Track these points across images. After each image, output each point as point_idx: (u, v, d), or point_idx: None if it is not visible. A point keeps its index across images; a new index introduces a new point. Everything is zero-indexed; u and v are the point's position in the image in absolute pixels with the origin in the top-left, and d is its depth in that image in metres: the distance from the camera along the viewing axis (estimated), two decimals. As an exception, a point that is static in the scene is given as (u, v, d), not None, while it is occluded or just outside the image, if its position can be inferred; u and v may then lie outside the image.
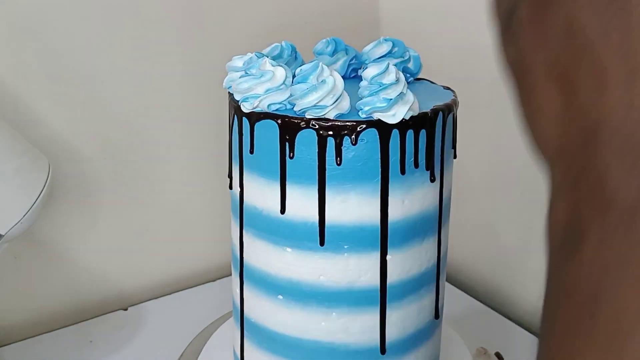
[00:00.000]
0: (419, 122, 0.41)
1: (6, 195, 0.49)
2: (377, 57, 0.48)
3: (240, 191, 0.45)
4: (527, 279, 0.72)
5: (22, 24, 0.59)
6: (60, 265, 0.68)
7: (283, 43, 0.48)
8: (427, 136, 0.42)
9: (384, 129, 0.40)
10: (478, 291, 0.78)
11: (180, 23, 0.68)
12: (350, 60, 0.50)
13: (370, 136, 0.40)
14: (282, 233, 0.43)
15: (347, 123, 0.39)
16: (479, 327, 0.68)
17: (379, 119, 0.39)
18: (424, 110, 0.41)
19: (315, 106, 0.39)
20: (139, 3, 0.65)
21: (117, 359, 0.62)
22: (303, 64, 0.49)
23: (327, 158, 0.40)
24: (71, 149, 0.65)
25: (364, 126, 0.39)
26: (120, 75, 0.66)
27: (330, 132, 0.40)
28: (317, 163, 0.40)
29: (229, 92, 0.45)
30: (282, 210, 0.42)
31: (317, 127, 0.40)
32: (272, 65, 0.41)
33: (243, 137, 0.43)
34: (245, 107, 0.42)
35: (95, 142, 0.66)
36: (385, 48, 0.48)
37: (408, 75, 0.49)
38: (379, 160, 0.40)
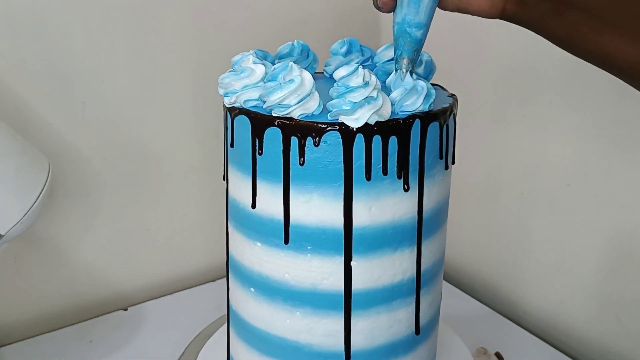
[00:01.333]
0: (388, 129, 0.39)
1: (6, 195, 0.49)
2: (386, 59, 0.47)
3: (226, 183, 0.47)
4: (527, 279, 0.72)
5: (22, 24, 0.59)
6: (60, 265, 0.68)
7: (295, 42, 0.48)
8: (400, 143, 0.40)
9: (347, 132, 0.39)
10: (478, 291, 0.78)
11: (181, 23, 0.68)
12: (364, 62, 0.49)
13: (333, 139, 0.39)
14: (253, 227, 0.44)
15: (311, 123, 0.39)
16: (479, 327, 0.68)
17: (342, 122, 0.39)
18: (395, 117, 0.40)
19: (279, 104, 0.39)
20: (139, 3, 0.65)
21: (117, 359, 0.62)
22: (315, 63, 0.49)
23: (291, 157, 0.40)
24: (71, 149, 0.65)
25: (327, 128, 0.39)
26: (120, 75, 0.66)
27: (294, 132, 0.40)
28: (282, 161, 0.41)
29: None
30: (253, 205, 0.43)
31: (281, 125, 0.40)
32: (254, 63, 0.42)
33: (227, 131, 0.44)
34: (226, 102, 0.43)
35: (95, 142, 0.66)
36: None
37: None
38: (342, 163, 0.39)
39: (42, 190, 0.51)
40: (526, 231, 0.71)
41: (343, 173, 0.40)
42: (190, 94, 0.70)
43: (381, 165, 0.40)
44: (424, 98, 0.40)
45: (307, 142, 0.39)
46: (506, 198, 0.73)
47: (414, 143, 0.41)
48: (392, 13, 0.41)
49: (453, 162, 0.46)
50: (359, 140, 0.39)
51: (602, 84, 0.60)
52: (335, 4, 0.78)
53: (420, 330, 0.46)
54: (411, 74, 0.42)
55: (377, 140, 0.39)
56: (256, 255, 0.44)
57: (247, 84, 0.41)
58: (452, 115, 0.44)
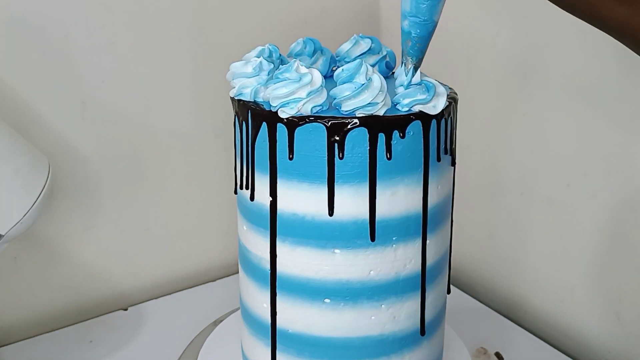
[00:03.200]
0: (446, 111, 0.43)
1: (6, 195, 0.49)
2: (357, 55, 0.49)
3: (272, 200, 0.44)
4: (527, 279, 0.72)
5: (22, 24, 0.59)
6: (60, 265, 0.68)
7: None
8: (450, 124, 0.45)
9: (425, 120, 0.42)
10: (478, 291, 0.78)
11: (181, 23, 0.68)
12: (329, 60, 0.50)
13: (416, 128, 0.41)
14: (330, 235, 0.43)
15: (395, 117, 0.41)
16: (479, 327, 0.68)
17: (421, 111, 0.41)
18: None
19: (369, 104, 0.40)
20: (139, 3, 0.65)
21: (117, 359, 0.62)
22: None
23: (378, 154, 0.41)
24: (71, 149, 0.65)
25: (411, 119, 0.41)
26: (121, 75, 0.66)
27: (381, 128, 0.41)
28: (368, 160, 0.41)
29: (241, 101, 0.44)
30: (331, 213, 0.42)
31: (368, 124, 0.40)
32: (307, 68, 0.41)
33: (278, 143, 0.42)
34: (286, 112, 0.41)
35: (95, 142, 0.66)
36: (363, 46, 0.49)
37: (388, 70, 0.50)
38: (422, 150, 0.42)
39: (42, 190, 0.51)
40: (526, 231, 0.71)
41: (422, 159, 0.42)
42: (190, 94, 0.70)
43: (445, 145, 0.44)
44: (444, 87, 0.45)
45: (393, 136, 0.41)
46: (506, 198, 0.73)
47: (454, 122, 0.46)
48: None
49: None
50: (434, 126, 0.42)
51: (602, 84, 0.60)
52: (336, 4, 0.78)
53: (450, 289, 0.51)
54: (415, 69, 0.43)
55: (442, 123, 0.43)
56: (334, 264, 0.43)
57: (310, 90, 0.40)
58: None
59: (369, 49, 0.49)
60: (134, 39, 0.66)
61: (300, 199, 0.42)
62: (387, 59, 0.50)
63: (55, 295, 0.68)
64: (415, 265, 0.45)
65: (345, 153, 0.41)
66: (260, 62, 0.44)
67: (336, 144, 0.40)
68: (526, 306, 0.72)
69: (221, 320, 0.63)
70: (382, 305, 0.44)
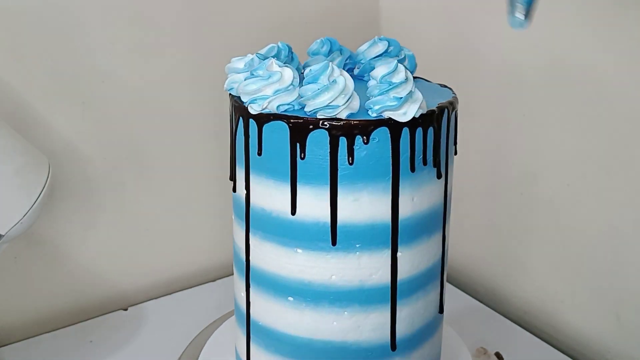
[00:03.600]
0: (427, 120, 0.41)
1: (6, 195, 0.49)
2: (373, 56, 0.48)
3: (246, 193, 0.45)
4: (527, 279, 0.72)
5: (22, 24, 0.59)
6: (60, 265, 0.68)
7: (279, 44, 0.47)
8: (435, 133, 0.42)
9: (395, 127, 0.40)
10: (478, 291, 0.78)
11: (181, 23, 0.68)
12: (345, 60, 0.50)
13: (382, 135, 0.40)
14: (292, 234, 0.43)
15: (360, 122, 0.40)
16: (479, 327, 0.68)
17: (390, 118, 0.40)
18: (431, 108, 0.42)
19: (327, 106, 0.39)
20: (139, 3, 0.65)
21: (117, 359, 0.62)
22: (299, 65, 0.49)
23: (339, 158, 0.40)
24: (71, 149, 0.65)
25: (375, 125, 0.40)
26: (120, 75, 0.66)
27: (342, 132, 0.40)
28: (329, 163, 0.40)
29: (231, 95, 0.45)
30: (293, 212, 0.42)
31: (328, 127, 0.40)
32: (279, 66, 0.41)
33: (250, 139, 0.43)
34: (254, 109, 0.41)
35: (95, 142, 0.66)
36: (380, 47, 0.48)
37: None
38: (390, 158, 0.41)
39: (42, 190, 0.51)
40: (526, 231, 0.71)
41: (391, 167, 0.41)
42: (190, 94, 0.70)
43: (422, 156, 0.42)
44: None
45: (356, 141, 0.40)
46: (506, 198, 0.73)
47: (443, 132, 0.43)
48: None
49: (455, 153, 0.48)
50: (405, 134, 0.40)
51: (603, 84, 0.60)
52: (336, 4, 0.78)
53: (442, 308, 0.49)
54: (526, 16, 0.40)
55: (419, 132, 0.41)
56: (296, 263, 0.43)
57: (278, 88, 0.40)
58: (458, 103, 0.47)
59: (386, 51, 0.48)
60: (134, 39, 0.66)
61: (268, 194, 0.43)
62: (406, 62, 0.49)
63: (55, 295, 0.68)
64: (382, 277, 0.43)
65: (307, 154, 0.40)
66: (252, 58, 0.44)
67: (298, 144, 0.40)
68: (526, 306, 0.72)
69: (221, 321, 0.63)
70: (345, 312, 0.43)
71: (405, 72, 0.40)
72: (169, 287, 0.75)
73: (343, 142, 0.40)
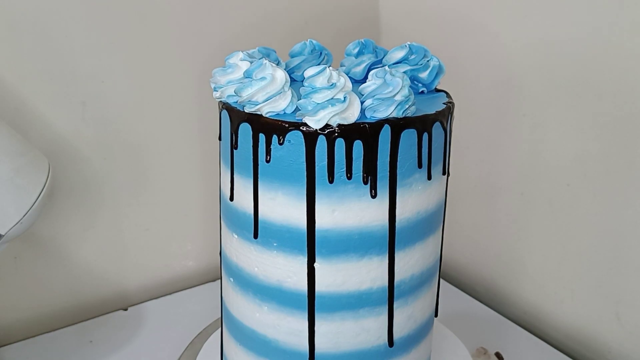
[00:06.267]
0: (352, 132, 0.38)
1: (6, 195, 0.49)
2: (393, 62, 0.46)
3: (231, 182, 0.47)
4: (527, 279, 0.72)
5: (22, 24, 0.59)
6: (60, 265, 0.68)
7: (308, 41, 0.49)
8: (366, 149, 0.39)
9: (309, 133, 0.38)
10: (478, 291, 0.78)
11: (181, 23, 0.68)
12: (374, 63, 0.48)
13: (297, 138, 0.39)
14: (231, 219, 0.45)
15: (275, 121, 0.39)
16: (479, 327, 0.68)
17: (306, 122, 0.38)
18: (366, 121, 0.39)
19: (249, 101, 0.40)
20: (139, 3, 0.65)
21: (117, 359, 0.62)
22: (327, 63, 0.49)
23: (259, 154, 0.41)
24: (71, 149, 0.65)
25: (290, 127, 0.39)
26: (120, 75, 0.66)
27: (261, 129, 0.40)
28: (252, 157, 0.41)
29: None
30: (231, 198, 0.44)
31: (250, 121, 0.40)
32: (242, 60, 0.42)
33: (222, 128, 0.46)
34: (214, 95, 0.43)
35: (95, 142, 0.66)
36: (401, 53, 0.46)
37: (420, 84, 0.47)
38: (305, 164, 0.39)
39: (42, 190, 0.51)
40: (526, 231, 0.71)
41: (306, 174, 0.39)
42: (190, 93, 0.71)
43: (345, 168, 0.39)
44: (398, 104, 0.39)
45: (272, 140, 0.40)
46: (506, 198, 0.73)
47: (383, 149, 0.39)
48: None
49: (445, 173, 0.44)
50: (322, 142, 0.39)
51: (603, 84, 0.60)
52: (336, 5, 0.78)
53: (394, 343, 0.44)
54: None
55: (340, 143, 0.39)
56: (234, 247, 0.45)
57: (231, 79, 0.42)
58: (439, 124, 0.42)
59: (406, 58, 0.46)
60: (134, 39, 0.66)
61: (222, 179, 0.46)
62: (424, 73, 0.46)
63: (55, 295, 0.68)
64: (298, 283, 0.42)
65: (238, 145, 0.42)
66: (244, 55, 0.45)
67: (233, 134, 0.42)
68: (526, 306, 0.72)
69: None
70: (265, 307, 0.44)
71: (333, 78, 0.38)
72: (169, 287, 0.75)
73: (262, 138, 0.40)
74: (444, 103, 0.43)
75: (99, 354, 0.63)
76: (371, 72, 0.40)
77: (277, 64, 0.47)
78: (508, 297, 0.74)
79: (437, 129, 0.42)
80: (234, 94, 0.41)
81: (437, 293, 0.50)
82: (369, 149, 0.39)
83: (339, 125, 0.38)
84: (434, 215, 0.44)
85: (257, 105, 0.40)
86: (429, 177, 0.42)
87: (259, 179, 0.41)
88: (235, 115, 0.42)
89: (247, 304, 0.45)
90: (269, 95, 0.39)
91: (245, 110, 0.40)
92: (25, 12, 0.59)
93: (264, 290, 0.43)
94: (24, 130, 0.56)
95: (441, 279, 0.79)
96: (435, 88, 0.47)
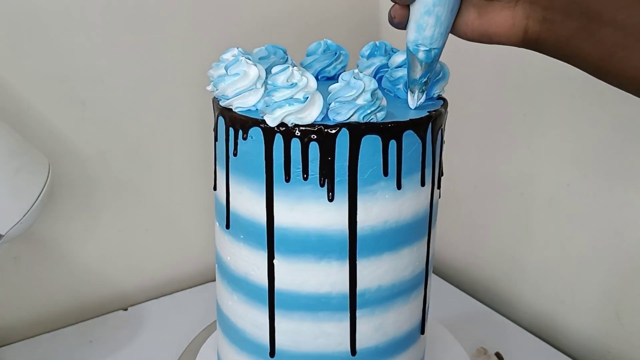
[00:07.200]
0: (309, 134, 0.38)
1: (6, 195, 0.49)
2: (395, 65, 0.46)
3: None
4: (527, 279, 0.72)
5: (23, 24, 0.59)
6: (60, 265, 0.68)
7: (323, 41, 0.49)
8: (322, 151, 0.38)
9: (267, 130, 0.39)
10: (478, 291, 0.78)
11: (181, 23, 0.68)
12: (382, 66, 0.48)
13: (257, 135, 0.39)
14: (215, 209, 0.47)
15: (239, 116, 0.40)
16: (479, 327, 0.68)
17: (264, 119, 0.39)
18: (323, 123, 0.38)
19: (222, 95, 0.41)
20: (139, 3, 0.65)
21: (117, 359, 0.62)
22: (340, 64, 0.50)
23: (229, 147, 0.42)
24: (71, 149, 0.65)
25: (250, 123, 0.40)
26: (120, 75, 0.66)
27: (230, 123, 0.41)
28: (224, 150, 0.42)
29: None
30: (214, 187, 0.46)
31: (223, 115, 0.42)
32: (233, 56, 0.43)
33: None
34: (207, 87, 0.44)
35: (95, 142, 0.66)
36: (401, 57, 0.46)
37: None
38: (264, 160, 0.40)
39: (42, 190, 0.51)
40: (526, 231, 0.71)
41: (265, 171, 0.40)
42: (190, 93, 0.70)
43: (301, 169, 0.39)
44: (359, 109, 0.38)
45: (239, 134, 0.40)
46: (506, 198, 0.73)
47: (341, 153, 0.38)
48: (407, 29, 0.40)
49: (424, 184, 0.42)
50: (279, 140, 0.39)
51: (603, 84, 0.59)
52: (336, 5, 0.78)
53: (357, 352, 0.43)
54: (422, 92, 0.42)
55: (296, 143, 0.39)
56: (217, 235, 0.47)
57: (220, 74, 0.43)
58: (412, 132, 0.40)
59: (404, 62, 0.46)
60: (134, 39, 0.66)
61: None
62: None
63: (55, 295, 0.68)
64: (260, 278, 0.42)
65: (217, 137, 0.44)
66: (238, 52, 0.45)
67: (215, 126, 0.44)
68: (526, 306, 0.72)
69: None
70: (235, 297, 0.45)
71: (295, 77, 0.38)
72: (169, 287, 0.75)
73: (231, 132, 0.41)
74: (428, 111, 0.42)
75: (99, 354, 0.63)
76: (342, 74, 0.40)
77: (286, 62, 0.47)
78: (508, 297, 0.74)
79: (409, 137, 0.40)
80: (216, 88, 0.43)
81: (423, 309, 0.47)
82: (325, 151, 0.38)
83: (296, 125, 0.38)
84: (410, 227, 0.43)
85: (228, 99, 0.41)
86: (399, 187, 0.41)
87: (229, 172, 0.43)
88: (216, 108, 0.43)
89: (224, 291, 0.46)
90: (238, 90, 0.40)
91: (220, 104, 0.42)
92: (25, 12, 0.59)
93: (234, 280, 0.45)
94: (24, 130, 0.56)
95: (441, 279, 0.79)
96: (439, 95, 0.46)
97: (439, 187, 0.45)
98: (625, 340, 0.63)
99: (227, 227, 0.44)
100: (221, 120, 0.42)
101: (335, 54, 0.49)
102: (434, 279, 0.79)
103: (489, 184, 0.75)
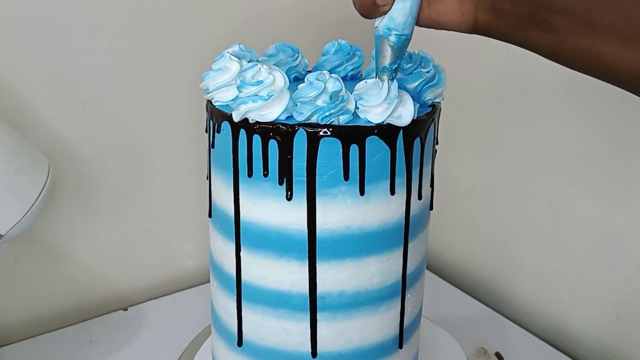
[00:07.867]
0: (267, 131, 0.38)
1: (6, 195, 0.49)
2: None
3: None
4: (527, 279, 0.72)
5: (22, 24, 0.59)
6: (60, 265, 0.68)
7: (338, 41, 0.50)
8: (280, 149, 0.38)
9: (234, 125, 0.40)
10: (478, 291, 0.78)
11: (181, 23, 0.68)
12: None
13: (226, 129, 0.41)
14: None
15: (215, 109, 0.42)
16: (479, 327, 0.68)
17: (231, 114, 0.40)
18: (285, 122, 0.38)
19: (206, 89, 0.42)
20: (139, 3, 0.65)
21: (117, 359, 0.62)
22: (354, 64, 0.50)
23: (209, 138, 0.44)
24: (71, 149, 0.65)
25: (221, 116, 0.41)
26: (120, 75, 0.66)
27: (211, 116, 0.43)
28: (209, 141, 0.44)
29: None
30: (207, 176, 0.47)
31: (207, 108, 0.44)
32: (231, 55, 0.43)
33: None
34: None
35: (95, 142, 0.66)
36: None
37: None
38: (231, 154, 0.41)
39: (42, 190, 0.51)
40: (526, 231, 0.71)
41: (232, 164, 0.41)
42: (190, 93, 0.70)
43: (262, 165, 0.40)
44: (317, 110, 0.37)
45: (215, 127, 0.42)
46: (506, 198, 0.73)
47: (299, 153, 0.38)
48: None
49: (394, 193, 0.41)
50: (243, 136, 0.40)
51: (603, 84, 0.59)
52: (336, 4, 0.78)
53: (319, 355, 0.43)
54: (392, 80, 0.39)
55: (257, 139, 0.39)
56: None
57: (215, 70, 0.44)
58: (378, 139, 0.39)
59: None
60: (134, 39, 0.66)
61: None
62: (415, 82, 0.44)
63: (55, 295, 0.68)
64: (230, 269, 0.44)
65: (206, 129, 0.45)
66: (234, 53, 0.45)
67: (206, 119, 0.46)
68: (526, 306, 0.72)
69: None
70: (215, 283, 0.48)
71: (262, 74, 0.38)
72: (169, 287, 0.75)
73: (211, 125, 0.43)
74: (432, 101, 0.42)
75: (99, 354, 0.63)
76: (308, 74, 0.39)
77: (296, 60, 0.49)
78: (508, 297, 0.74)
79: (373, 143, 0.39)
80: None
81: (401, 322, 0.45)
82: (284, 150, 0.39)
83: (257, 122, 0.39)
84: (377, 236, 0.41)
85: (209, 93, 0.42)
86: (362, 193, 0.40)
87: (211, 163, 0.45)
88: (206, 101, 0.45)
89: (211, 276, 0.49)
90: (218, 85, 0.41)
91: (204, 97, 0.43)
92: (25, 12, 0.59)
93: (214, 267, 0.47)
94: (24, 130, 0.56)
95: (441, 280, 0.79)
96: (433, 102, 0.44)
97: (420, 198, 0.43)
98: (625, 340, 0.63)
99: (210, 215, 0.46)
100: (207, 112, 0.44)
101: (349, 54, 0.49)
102: (433, 278, 0.79)
103: (488, 184, 0.75)
